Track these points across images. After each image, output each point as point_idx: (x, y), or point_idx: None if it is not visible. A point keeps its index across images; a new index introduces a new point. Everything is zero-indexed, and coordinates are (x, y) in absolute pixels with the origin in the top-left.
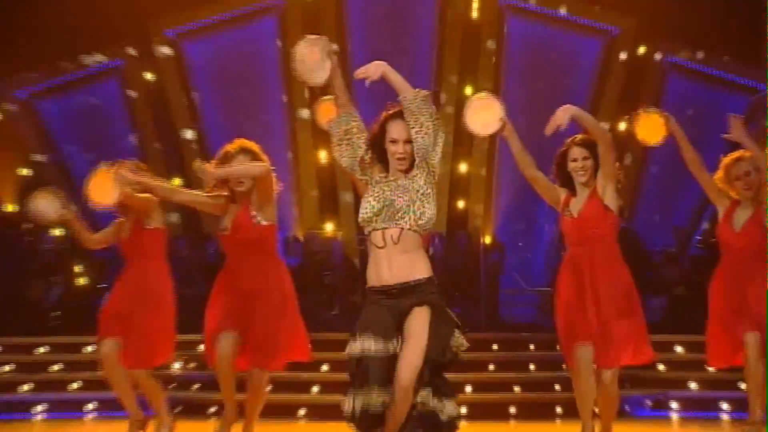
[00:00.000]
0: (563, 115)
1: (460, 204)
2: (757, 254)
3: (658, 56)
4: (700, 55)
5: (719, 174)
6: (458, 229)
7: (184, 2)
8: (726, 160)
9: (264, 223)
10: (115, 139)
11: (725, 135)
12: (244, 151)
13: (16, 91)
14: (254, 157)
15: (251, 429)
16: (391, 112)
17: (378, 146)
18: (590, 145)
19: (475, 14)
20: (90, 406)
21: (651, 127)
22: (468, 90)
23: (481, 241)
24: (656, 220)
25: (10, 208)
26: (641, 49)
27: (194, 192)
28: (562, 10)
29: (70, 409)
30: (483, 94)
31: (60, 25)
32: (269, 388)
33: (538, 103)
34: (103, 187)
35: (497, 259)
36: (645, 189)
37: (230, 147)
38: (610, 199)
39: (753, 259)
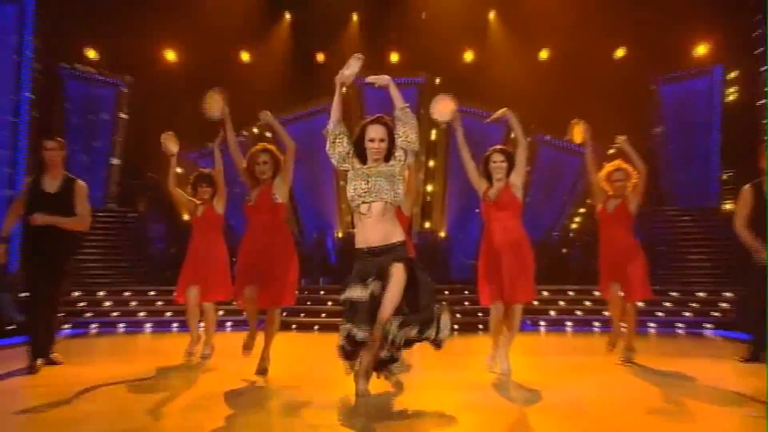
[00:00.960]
0: (501, 113)
1: (426, 212)
2: (619, 225)
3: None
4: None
5: (602, 173)
6: (425, 227)
7: (279, 105)
8: (608, 167)
9: (279, 200)
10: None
11: (614, 145)
12: (265, 150)
13: (186, 154)
14: (273, 155)
15: (269, 350)
16: (368, 120)
17: (359, 144)
18: (506, 153)
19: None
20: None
21: (576, 132)
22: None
23: (438, 234)
24: (529, 219)
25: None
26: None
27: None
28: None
29: None
30: (443, 95)
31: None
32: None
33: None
34: (214, 103)
35: (448, 245)
36: (525, 201)
37: (254, 149)
38: (518, 190)
39: (615, 229)
